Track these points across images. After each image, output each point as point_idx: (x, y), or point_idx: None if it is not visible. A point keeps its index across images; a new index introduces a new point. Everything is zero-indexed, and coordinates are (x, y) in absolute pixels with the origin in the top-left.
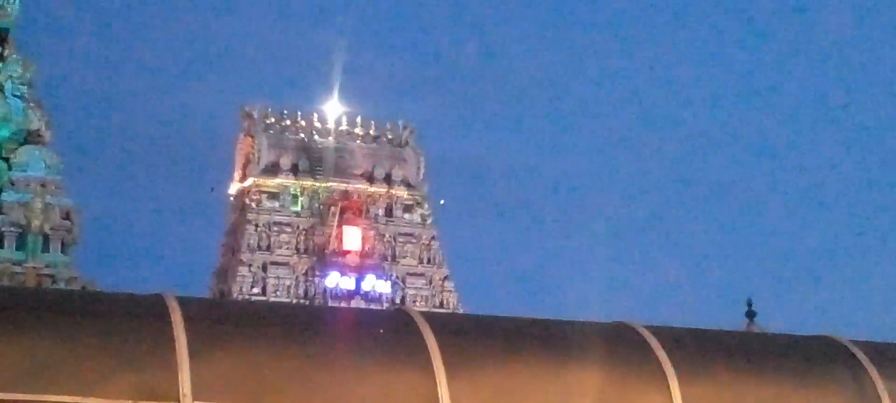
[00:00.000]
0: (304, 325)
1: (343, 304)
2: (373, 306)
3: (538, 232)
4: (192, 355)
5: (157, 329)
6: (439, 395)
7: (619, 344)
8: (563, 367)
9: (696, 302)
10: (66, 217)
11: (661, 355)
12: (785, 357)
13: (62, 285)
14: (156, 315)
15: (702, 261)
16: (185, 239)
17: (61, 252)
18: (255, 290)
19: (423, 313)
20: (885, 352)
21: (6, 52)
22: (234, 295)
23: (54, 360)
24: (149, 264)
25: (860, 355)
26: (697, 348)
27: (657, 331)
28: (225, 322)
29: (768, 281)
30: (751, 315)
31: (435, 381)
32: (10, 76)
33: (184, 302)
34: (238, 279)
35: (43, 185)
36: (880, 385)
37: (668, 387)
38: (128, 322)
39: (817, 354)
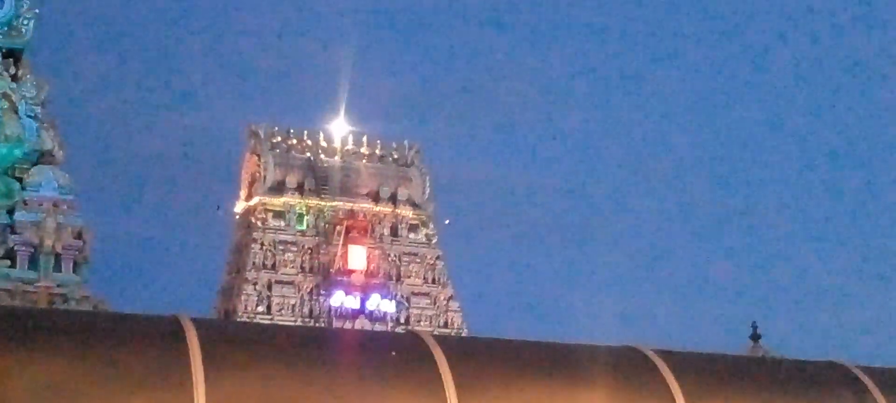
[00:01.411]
0: (318, 347)
1: (348, 323)
2: (377, 325)
3: (544, 252)
4: (207, 376)
5: (173, 350)
6: None
7: (628, 368)
8: (574, 390)
9: (702, 323)
10: (78, 236)
11: (670, 379)
12: (792, 381)
13: (73, 304)
14: (172, 336)
15: (708, 283)
16: (190, 257)
17: (73, 271)
18: (260, 309)
19: (434, 336)
20: (893, 378)
21: (20, 73)
22: (239, 314)
23: (72, 381)
24: (155, 282)
25: (867, 381)
26: (705, 372)
27: (665, 355)
28: (240, 343)
29: (773, 304)
30: (755, 337)
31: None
32: (24, 96)
33: (199, 324)
34: (243, 297)
35: (55, 205)
36: None
37: None
38: (144, 343)
39: (824, 379)
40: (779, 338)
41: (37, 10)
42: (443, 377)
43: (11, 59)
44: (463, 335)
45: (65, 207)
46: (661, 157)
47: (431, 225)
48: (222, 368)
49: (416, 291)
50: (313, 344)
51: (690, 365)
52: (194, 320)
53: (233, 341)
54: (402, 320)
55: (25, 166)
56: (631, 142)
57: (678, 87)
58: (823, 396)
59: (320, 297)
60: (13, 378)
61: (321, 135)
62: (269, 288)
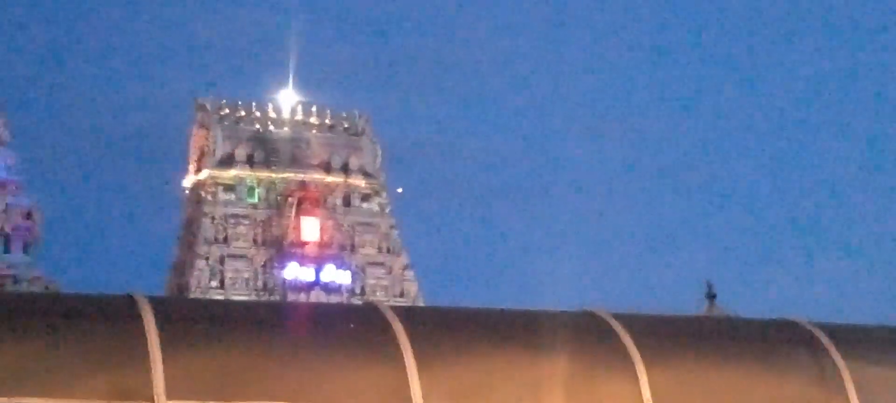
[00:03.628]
0: (275, 322)
1: (303, 295)
2: (333, 296)
3: (498, 217)
4: (164, 354)
5: (129, 329)
6: (411, 389)
7: (587, 333)
8: (533, 358)
9: (658, 283)
10: (28, 217)
11: (628, 342)
12: (748, 341)
13: (25, 285)
14: (127, 315)
15: (663, 244)
16: (141, 234)
17: (23, 252)
18: (213, 283)
19: (392, 307)
20: (847, 334)
21: None
22: (192, 289)
23: (28, 363)
24: (106, 260)
25: (822, 337)
26: (663, 334)
27: (623, 319)
28: (196, 320)
29: (729, 262)
30: (711, 296)
31: (406, 375)
32: None
33: (155, 302)
34: (196, 272)
35: (3, 186)
36: (842, 367)
37: (636, 374)
38: (100, 323)
39: (780, 337)
40: (734, 296)
41: None
42: (402, 348)
43: None
44: (419, 303)
45: (13, 188)
46: (613, 116)
47: (384, 195)
48: (179, 346)
49: (370, 261)
50: (271, 319)
51: (648, 328)
52: (149, 298)
53: (189, 318)
54: (358, 290)
55: None
56: (582, 102)
57: (627, 44)
58: (780, 354)
59: (274, 270)
60: None
61: (270, 106)
62: (222, 262)
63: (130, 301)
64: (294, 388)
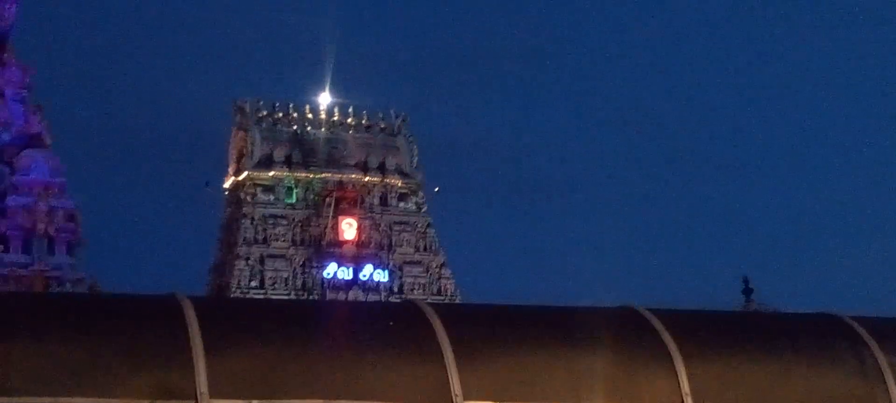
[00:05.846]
0: (316, 320)
1: (341, 294)
2: (371, 295)
3: (533, 214)
4: (207, 353)
5: (171, 328)
6: (451, 385)
7: (625, 329)
8: (572, 353)
9: (694, 279)
10: (70, 218)
11: (667, 338)
12: (787, 336)
13: (68, 286)
14: (170, 315)
15: (699, 239)
16: (182, 235)
17: (67, 253)
18: (253, 284)
19: (431, 304)
20: (886, 328)
21: (5, 57)
22: (232, 289)
23: (73, 363)
24: (148, 261)
25: (861, 331)
26: (702, 330)
27: (662, 314)
28: (238, 319)
29: (764, 257)
30: (748, 292)
31: (446, 372)
32: (10, 81)
33: (197, 302)
34: (235, 273)
35: (46, 188)
36: (882, 361)
37: (675, 370)
38: (143, 323)
39: (819, 332)
40: (772, 291)
41: None
42: (441, 345)
43: None
44: (456, 301)
45: (56, 190)
46: (648, 110)
47: (421, 193)
48: (222, 345)
49: (408, 260)
50: (311, 318)
51: (687, 323)
52: (191, 298)
53: (231, 318)
54: (396, 289)
55: (14, 150)
56: (617, 97)
57: (659, 42)
58: (819, 348)
59: (313, 269)
60: (10, 365)
61: (307, 107)
62: (262, 262)
63: (173, 300)
64: (335, 385)
